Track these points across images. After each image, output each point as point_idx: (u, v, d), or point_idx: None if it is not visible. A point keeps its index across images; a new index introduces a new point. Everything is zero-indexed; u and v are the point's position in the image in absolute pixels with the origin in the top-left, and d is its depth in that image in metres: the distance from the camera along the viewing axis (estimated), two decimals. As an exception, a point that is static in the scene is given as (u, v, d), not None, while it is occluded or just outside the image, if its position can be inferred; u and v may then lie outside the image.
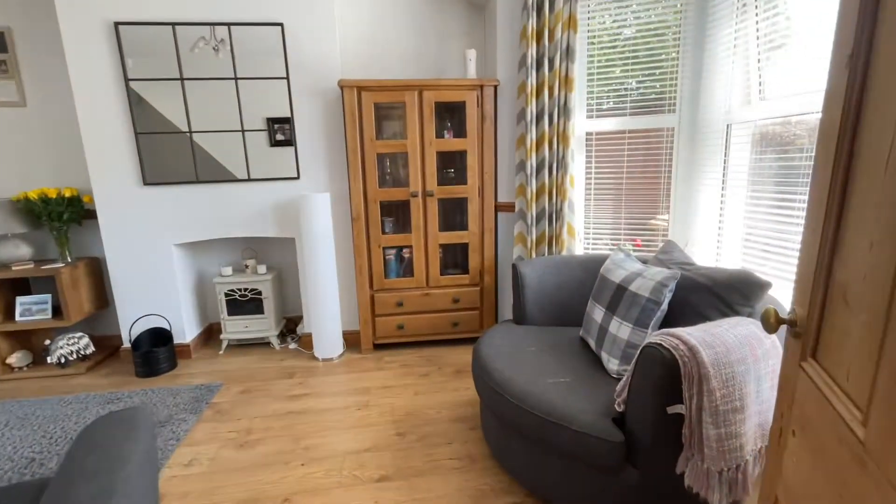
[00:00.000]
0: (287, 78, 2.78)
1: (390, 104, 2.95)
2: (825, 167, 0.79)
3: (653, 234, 3.00)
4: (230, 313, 3.11)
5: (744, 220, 2.49)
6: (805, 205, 1.39)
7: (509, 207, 3.25)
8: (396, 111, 3.01)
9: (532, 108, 2.92)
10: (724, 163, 2.65)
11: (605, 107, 2.99)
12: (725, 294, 1.80)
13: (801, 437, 0.76)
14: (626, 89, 2.95)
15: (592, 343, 2.16)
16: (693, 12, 2.64)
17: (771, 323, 0.91)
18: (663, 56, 2.81)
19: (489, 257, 3.26)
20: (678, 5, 2.68)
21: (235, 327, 3.15)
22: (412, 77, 3.10)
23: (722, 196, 2.64)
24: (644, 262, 2.38)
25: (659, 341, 1.51)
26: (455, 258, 3.48)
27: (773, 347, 1.52)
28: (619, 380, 1.92)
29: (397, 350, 3.37)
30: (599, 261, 2.67)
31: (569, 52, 2.78)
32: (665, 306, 1.89)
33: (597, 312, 2.16)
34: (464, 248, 3.42)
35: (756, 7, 2.32)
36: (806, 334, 0.81)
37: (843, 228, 0.74)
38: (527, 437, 1.81)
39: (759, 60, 2.37)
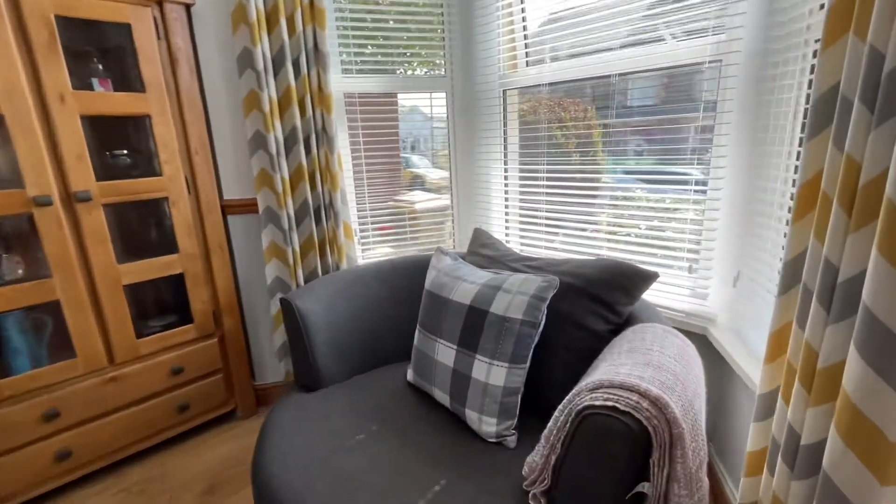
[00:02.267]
0: None
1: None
2: None
3: (419, 216, 2.31)
4: None
5: (520, 195, 2.07)
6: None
7: (247, 207, 2.01)
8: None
9: (264, 49, 1.74)
10: (504, 133, 2.13)
11: (362, 60, 2.05)
12: (606, 294, 1.30)
13: None
14: (385, 39, 2.08)
15: (441, 395, 1.36)
16: None
17: None
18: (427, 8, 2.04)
19: (226, 288, 1.95)
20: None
21: None
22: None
23: (506, 171, 2.15)
24: (445, 251, 1.65)
25: (609, 403, 0.85)
26: (161, 302, 2.01)
27: (696, 356, 1.08)
28: (501, 445, 1.22)
29: (71, 496, 1.60)
30: (403, 269, 1.81)
31: (318, 53, 1.78)
32: (542, 328, 1.26)
33: (441, 351, 1.36)
34: (175, 282, 1.94)
35: None
36: None
37: None
38: None
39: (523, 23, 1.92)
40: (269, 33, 1.72)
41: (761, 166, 1.35)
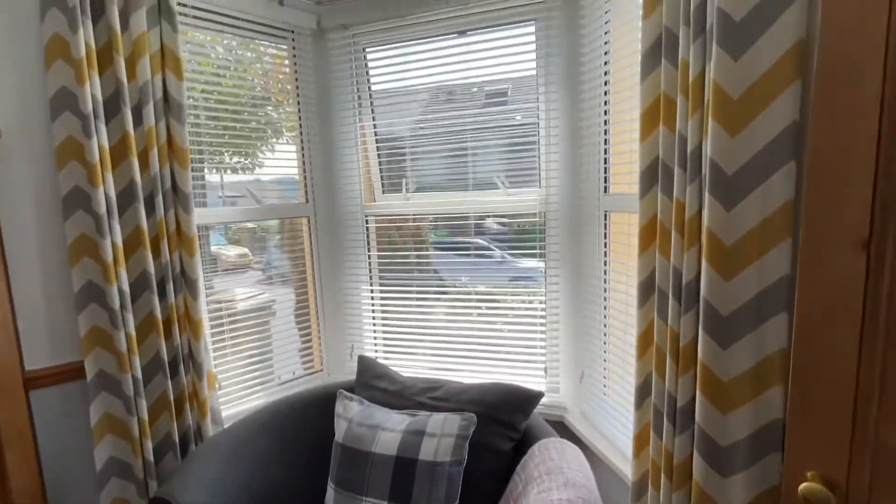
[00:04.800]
0: None
1: None
2: None
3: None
4: None
5: (388, 314, 2.14)
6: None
7: (64, 375, 1.51)
8: None
9: (107, 191, 1.44)
10: (368, 256, 2.19)
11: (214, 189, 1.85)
12: (507, 416, 1.45)
13: None
14: (240, 167, 1.95)
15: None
16: (315, 104, 2.06)
17: None
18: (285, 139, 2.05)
19: (28, 490, 1.44)
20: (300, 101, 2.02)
21: None
22: None
23: (371, 291, 2.18)
24: (349, 396, 1.61)
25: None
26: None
27: (584, 459, 1.31)
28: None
29: None
30: (289, 414, 1.63)
31: (168, 104, 1.53)
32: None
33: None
34: None
35: (372, 112, 2.07)
36: None
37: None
38: None
39: (378, 157, 2.13)
40: (114, 169, 1.40)
41: (586, 292, 1.73)
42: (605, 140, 1.61)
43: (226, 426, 1.66)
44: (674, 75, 1.04)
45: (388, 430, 1.32)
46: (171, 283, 1.55)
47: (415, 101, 1.98)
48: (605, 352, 1.68)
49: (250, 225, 1.77)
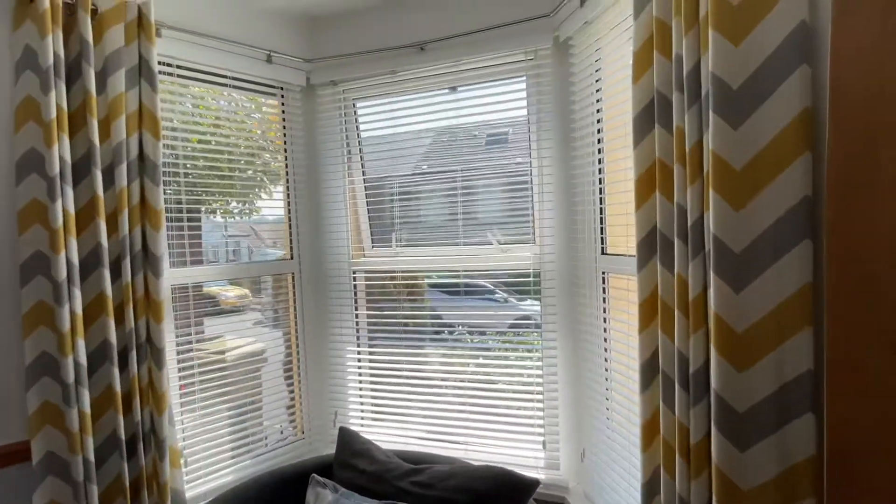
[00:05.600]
0: None
1: None
2: None
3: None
4: None
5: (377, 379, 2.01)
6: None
7: (10, 456, 1.37)
8: None
9: (69, 257, 1.35)
10: (356, 315, 2.06)
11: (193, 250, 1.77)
12: None
13: None
14: (238, 212, 1.91)
15: None
16: (304, 157, 2.02)
17: None
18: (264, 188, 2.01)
19: None
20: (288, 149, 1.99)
21: None
22: None
23: (358, 352, 2.05)
24: (321, 482, 1.48)
25: None
26: None
27: None
28: None
29: None
30: (257, 498, 1.47)
31: (144, 163, 1.49)
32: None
33: None
34: None
35: (362, 162, 2.04)
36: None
37: None
38: None
39: (368, 209, 2.07)
40: (79, 234, 1.31)
41: (586, 357, 1.62)
42: (601, 198, 1.53)
43: (188, 511, 1.50)
44: (669, 141, 0.97)
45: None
46: (135, 351, 1.44)
47: (404, 149, 1.93)
48: (608, 428, 1.53)
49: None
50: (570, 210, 1.64)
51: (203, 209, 1.80)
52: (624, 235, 1.42)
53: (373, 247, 2.10)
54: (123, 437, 1.41)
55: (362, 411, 2.00)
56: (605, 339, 1.55)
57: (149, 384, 1.47)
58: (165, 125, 1.59)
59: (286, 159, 1.97)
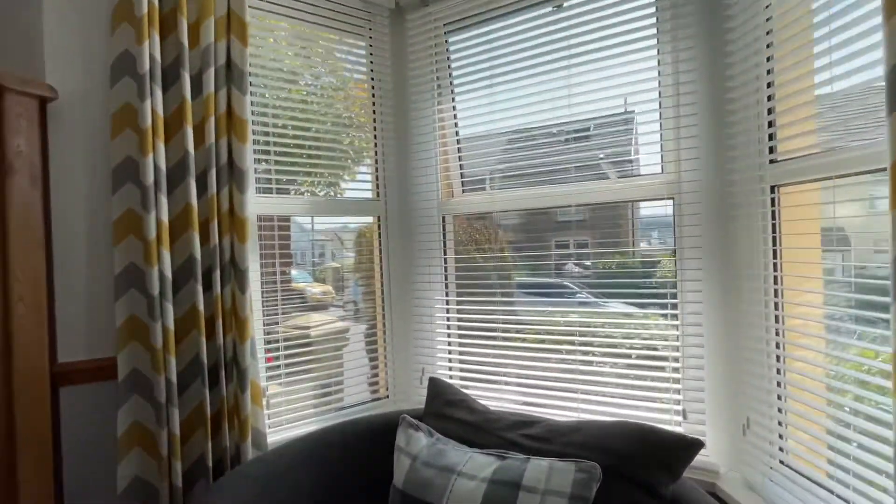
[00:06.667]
0: None
1: None
2: None
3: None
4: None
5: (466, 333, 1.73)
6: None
7: (95, 373, 1.28)
8: None
9: (157, 160, 1.25)
10: (445, 263, 1.82)
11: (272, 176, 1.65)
12: (645, 474, 0.95)
13: None
14: (307, 155, 1.73)
15: None
16: (391, 87, 1.84)
17: None
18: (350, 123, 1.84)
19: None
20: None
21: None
22: None
23: (447, 303, 1.80)
24: (414, 423, 1.21)
25: None
26: None
27: None
28: None
29: None
30: (340, 444, 1.29)
31: (230, 72, 1.36)
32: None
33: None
34: None
35: (453, 100, 1.79)
36: None
37: None
38: None
39: (458, 149, 1.81)
40: (167, 142, 1.22)
41: (740, 301, 1.20)
42: (770, 81, 1.14)
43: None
44: None
45: (467, 475, 0.91)
46: (219, 271, 1.32)
47: (503, 82, 1.67)
48: (783, 388, 1.13)
49: (335, 264, 1.80)
50: (720, 109, 1.27)
51: (292, 191, 1.73)
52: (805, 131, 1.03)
53: (464, 192, 1.87)
54: (206, 362, 1.30)
55: (450, 369, 1.76)
56: (777, 278, 1.16)
57: (232, 308, 1.35)
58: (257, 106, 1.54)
59: (372, 94, 1.81)
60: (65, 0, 1.24)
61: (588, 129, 1.56)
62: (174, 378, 1.25)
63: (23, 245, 1.13)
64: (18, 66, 1.23)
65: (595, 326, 1.48)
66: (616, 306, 1.53)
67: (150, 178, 1.22)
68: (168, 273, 1.25)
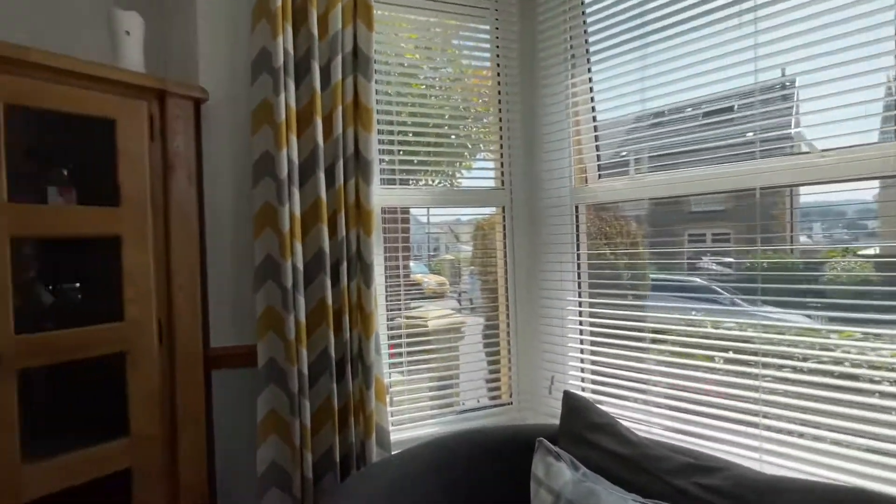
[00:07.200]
0: None
1: None
2: None
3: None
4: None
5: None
6: None
7: (241, 358, 1.32)
8: None
9: (290, 154, 1.23)
10: (577, 258, 1.58)
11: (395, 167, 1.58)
12: None
13: None
14: (428, 144, 1.63)
15: None
16: (517, 65, 1.65)
17: None
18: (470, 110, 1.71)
19: (195, 486, 1.20)
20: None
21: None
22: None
23: (580, 304, 1.57)
24: (554, 451, 1.01)
25: None
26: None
27: None
28: None
29: None
30: (467, 455, 1.15)
31: (357, 58, 1.30)
32: None
33: None
34: (116, 481, 1.09)
35: (589, 71, 1.52)
36: None
37: None
38: None
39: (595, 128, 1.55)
40: (299, 136, 1.19)
41: None
42: None
43: (393, 452, 1.30)
44: None
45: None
46: (346, 264, 1.29)
47: (660, 40, 1.37)
48: None
49: (449, 257, 1.75)
50: None
51: (411, 182, 1.67)
52: None
53: (599, 178, 1.61)
54: (334, 356, 1.28)
55: (583, 380, 1.53)
56: None
57: (357, 302, 1.31)
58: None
59: (497, 70, 1.64)
60: (214, 5, 1.29)
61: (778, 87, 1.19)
62: (305, 370, 1.25)
63: (182, 238, 1.21)
64: (176, 71, 1.32)
65: (801, 345, 1.12)
66: (793, 317, 1.15)
67: (285, 172, 1.22)
68: (300, 266, 1.25)
